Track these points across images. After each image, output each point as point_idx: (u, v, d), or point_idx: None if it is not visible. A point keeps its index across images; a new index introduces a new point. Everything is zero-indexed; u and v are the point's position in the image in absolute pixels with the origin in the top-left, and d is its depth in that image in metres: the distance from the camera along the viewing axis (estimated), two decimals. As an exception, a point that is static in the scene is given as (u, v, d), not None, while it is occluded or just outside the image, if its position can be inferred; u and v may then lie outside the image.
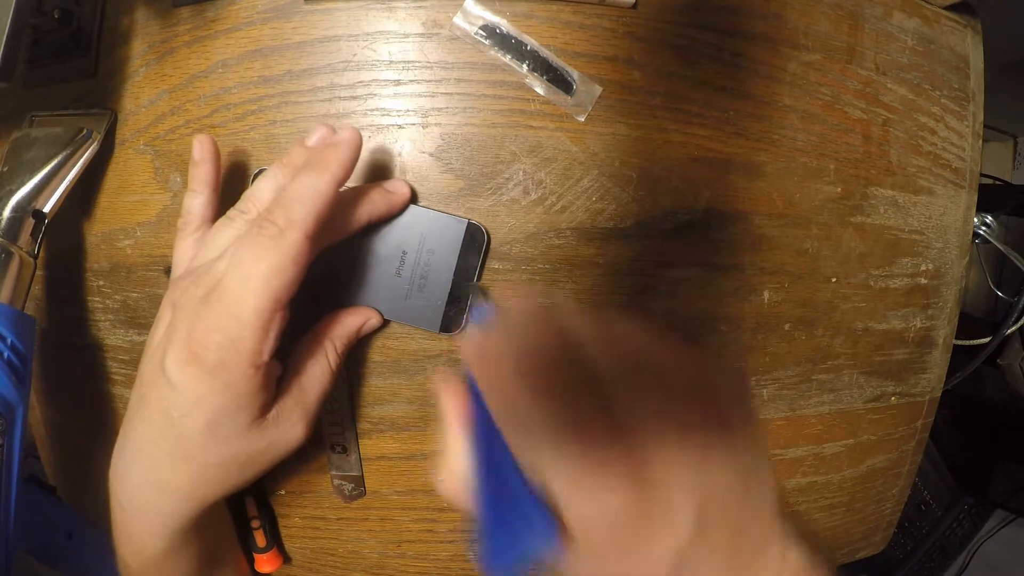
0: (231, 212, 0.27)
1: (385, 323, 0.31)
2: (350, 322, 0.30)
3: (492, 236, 0.31)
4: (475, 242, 0.31)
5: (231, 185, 0.32)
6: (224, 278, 0.23)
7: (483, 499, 0.19)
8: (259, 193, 0.27)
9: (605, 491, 0.17)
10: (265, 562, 0.35)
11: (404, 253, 0.30)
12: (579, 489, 0.17)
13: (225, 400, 0.24)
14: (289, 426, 0.27)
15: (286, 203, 0.24)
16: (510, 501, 0.18)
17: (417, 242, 0.30)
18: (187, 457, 0.25)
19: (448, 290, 0.31)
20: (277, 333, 0.24)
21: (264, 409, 0.26)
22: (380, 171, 0.32)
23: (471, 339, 0.21)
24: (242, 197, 0.27)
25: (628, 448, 0.17)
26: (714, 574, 0.18)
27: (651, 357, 0.20)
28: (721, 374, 0.20)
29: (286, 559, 0.37)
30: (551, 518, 0.18)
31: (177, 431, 0.24)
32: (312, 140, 0.28)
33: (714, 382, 0.20)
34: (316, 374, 0.28)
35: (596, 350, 0.19)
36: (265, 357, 0.24)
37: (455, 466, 0.22)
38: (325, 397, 0.29)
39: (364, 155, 0.31)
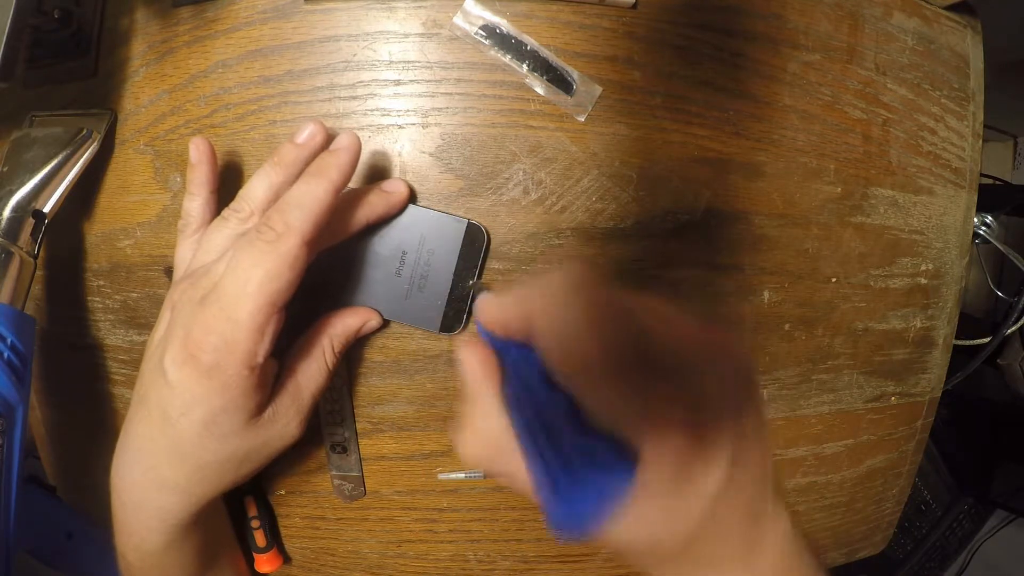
0: (225, 212, 0.28)
1: (385, 323, 0.31)
2: (349, 322, 0.30)
3: (492, 236, 0.31)
4: (475, 242, 0.30)
5: (232, 185, 0.32)
6: (221, 281, 0.23)
7: (542, 457, 0.19)
8: (252, 192, 0.27)
9: (672, 428, 0.18)
10: (265, 562, 0.35)
11: (404, 253, 0.30)
12: (651, 424, 0.18)
13: (221, 400, 0.24)
14: (284, 423, 0.27)
15: (285, 208, 0.24)
16: (576, 452, 0.19)
17: (417, 242, 0.30)
18: (185, 455, 0.25)
19: (448, 290, 0.31)
20: (272, 336, 0.24)
21: (260, 408, 0.26)
22: (380, 171, 0.32)
23: (527, 289, 0.21)
24: (236, 197, 0.28)
25: (687, 396, 0.19)
26: (737, 515, 0.20)
27: (691, 327, 0.21)
28: (749, 361, 0.22)
29: (286, 559, 0.37)
30: (624, 457, 0.18)
31: (175, 430, 0.24)
32: (301, 137, 0.28)
33: (746, 364, 0.21)
34: (312, 372, 0.28)
35: (644, 313, 0.20)
36: (260, 359, 0.24)
37: (482, 427, 0.22)
38: (320, 394, 0.29)
39: (364, 155, 0.31)
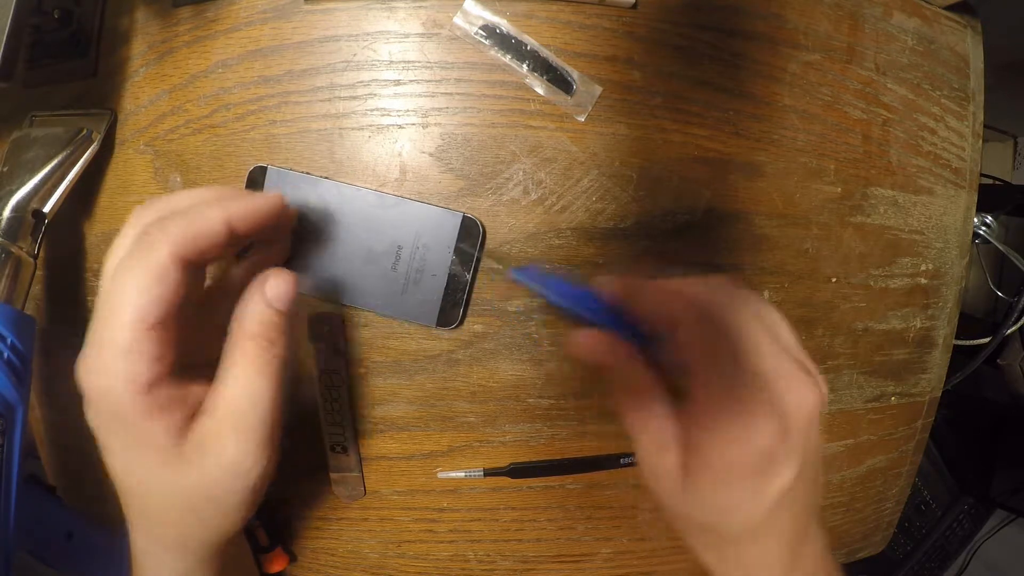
0: None
1: (384, 322, 0.31)
2: (258, 308, 0.23)
3: (492, 236, 0.31)
4: (471, 235, 0.30)
5: (229, 185, 0.32)
6: (100, 290, 0.21)
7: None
8: None
9: (761, 425, 0.21)
10: (272, 561, 0.35)
11: (399, 248, 0.30)
12: (741, 419, 0.21)
13: (123, 435, 0.21)
14: (219, 451, 0.21)
15: (168, 216, 0.21)
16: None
17: (412, 237, 0.30)
18: (140, 510, 0.23)
19: (444, 284, 0.31)
20: (153, 355, 0.20)
21: (173, 434, 0.21)
22: (381, 171, 0.31)
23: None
24: None
25: (775, 400, 0.21)
26: (797, 513, 0.23)
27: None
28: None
29: (292, 558, 0.37)
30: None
31: (116, 481, 0.23)
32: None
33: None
34: (241, 384, 0.22)
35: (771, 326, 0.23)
36: (145, 379, 0.20)
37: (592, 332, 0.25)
38: (269, 407, 0.22)
39: (365, 155, 0.31)
